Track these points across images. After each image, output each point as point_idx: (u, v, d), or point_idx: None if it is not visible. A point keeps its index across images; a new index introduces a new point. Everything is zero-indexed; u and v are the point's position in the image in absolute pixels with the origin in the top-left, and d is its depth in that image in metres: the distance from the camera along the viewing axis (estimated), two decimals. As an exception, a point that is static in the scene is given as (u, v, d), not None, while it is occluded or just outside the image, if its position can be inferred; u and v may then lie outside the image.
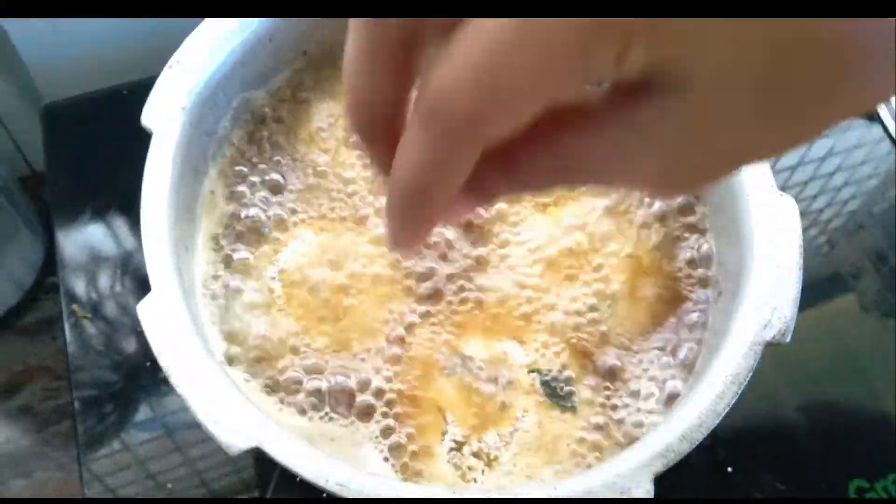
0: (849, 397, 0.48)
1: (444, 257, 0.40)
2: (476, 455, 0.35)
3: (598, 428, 0.36)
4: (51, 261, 0.78)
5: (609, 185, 0.30)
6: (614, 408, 0.37)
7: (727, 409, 0.31)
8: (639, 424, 0.36)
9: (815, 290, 0.52)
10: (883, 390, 0.47)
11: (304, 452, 0.30)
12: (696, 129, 0.15)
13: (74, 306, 0.47)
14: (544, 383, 0.37)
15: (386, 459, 0.35)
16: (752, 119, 0.15)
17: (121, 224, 0.50)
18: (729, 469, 0.44)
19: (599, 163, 0.17)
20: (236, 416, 0.30)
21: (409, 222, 0.17)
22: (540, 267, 0.40)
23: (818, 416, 0.47)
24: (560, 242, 0.41)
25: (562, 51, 0.14)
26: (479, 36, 0.14)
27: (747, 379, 0.32)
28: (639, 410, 0.37)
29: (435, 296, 0.39)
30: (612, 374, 0.38)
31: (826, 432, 0.46)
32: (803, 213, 0.54)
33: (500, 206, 0.42)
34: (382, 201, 0.41)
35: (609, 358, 0.38)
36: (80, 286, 0.48)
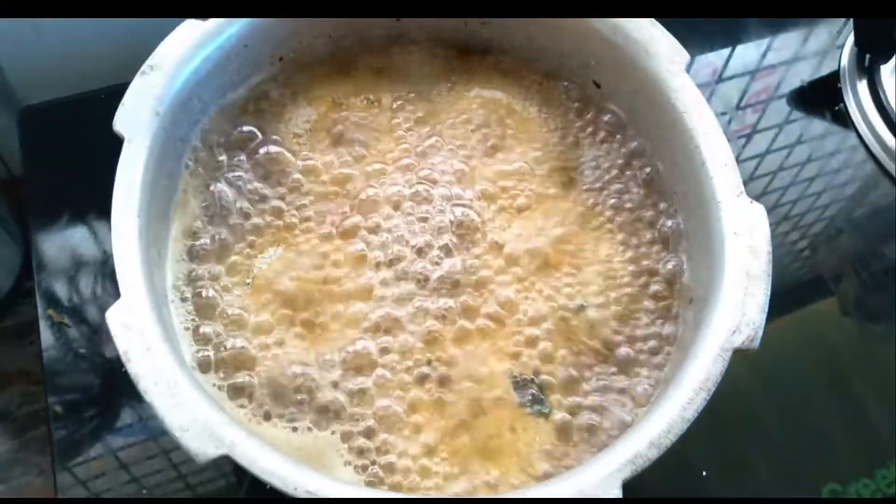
0: (827, 400, 0.48)
1: (419, 261, 0.40)
2: (448, 461, 0.35)
3: (571, 433, 0.36)
4: (30, 265, 0.77)
5: None
6: (587, 413, 0.37)
7: (696, 415, 0.31)
8: (611, 430, 0.36)
9: (796, 293, 0.52)
10: (861, 393, 0.48)
11: (273, 460, 0.30)
12: None
13: (51, 311, 0.47)
14: (518, 389, 0.37)
15: (348, 464, 0.35)
16: None
17: (99, 227, 0.50)
18: (703, 473, 0.44)
19: None
20: (205, 423, 0.30)
21: None
22: (516, 272, 0.40)
23: (796, 419, 0.47)
24: (535, 249, 0.41)
25: None
26: None
27: (716, 385, 0.32)
28: (611, 416, 0.37)
29: (408, 301, 0.39)
30: (586, 381, 0.38)
31: (803, 436, 0.47)
32: (784, 219, 0.54)
33: (475, 211, 0.42)
34: (359, 204, 0.42)
35: (583, 365, 0.38)
36: (57, 290, 0.48)
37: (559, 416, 0.37)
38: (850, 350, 0.51)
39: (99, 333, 0.47)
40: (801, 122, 0.59)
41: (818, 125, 0.59)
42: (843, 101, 0.59)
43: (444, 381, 0.37)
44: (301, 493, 0.29)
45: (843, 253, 0.55)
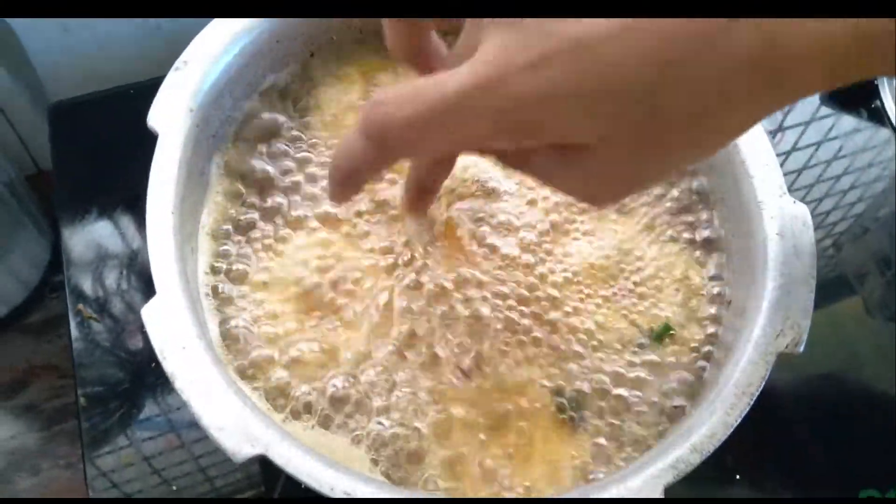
0: (854, 402, 0.48)
1: (475, 266, 0.39)
2: (480, 465, 0.35)
3: (603, 450, 0.35)
4: (57, 259, 0.77)
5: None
6: (622, 430, 0.36)
7: (739, 421, 0.31)
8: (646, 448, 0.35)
9: (820, 293, 0.51)
10: (888, 394, 0.47)
11: (308, 461, 0.29)
12: (594, 169, 0.23)
13: (80, 306, 0.47)
14: (558, 401, 0.36)
15: (376, 463, 0.34)
16: (631, 159, 0.23)
17: (127, 222, 0.50)
18: (737, 476, 0.43)
19: (543, 175, 0.26)
20: (241, 422, 0.30)
21: (342, 188, 0.28)
22: (574, 286, 0.39)
23: (824, 421, 0.46)
24: (593, 263, 0.40)
25: (461, 138, 0.23)
26: (420, 97, 0.23)
27: (759, 389, 0.31)
28: (645, 436, 0.36)
29: (442, 300, 0.39)
30: (625, 403, 0.37)
31: (833, 439, 0.46)
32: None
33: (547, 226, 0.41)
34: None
35: (625, 380, 0.37)
36: (86, 285, 0.48)
37: (593, 432, 0.36)
38: (874, 350, 0.50)
39: (126, 327, 0.47)
40: (830, 117, 0.58)
41: (848, 120, 0.58)
42: (879, 97, 0.58)
43: (481, 385, 0.36)
44: (338, 494, 0.29)
45: (868, 252, 0.54)
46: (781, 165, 0.54)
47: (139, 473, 0.43)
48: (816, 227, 0.53)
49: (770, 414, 0.45)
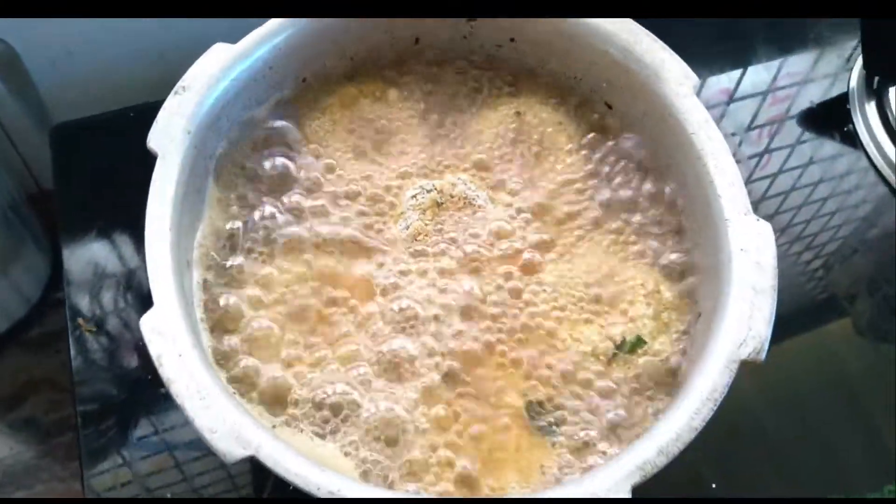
0: (840, 419, 0.48)
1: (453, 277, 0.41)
2: (449, 463, 0.36)
3: (574, 456, 0.37)
4: (57, 276, 0.79)
5: None
6: (593, 437, 0.37)
7: (703, 424, 0.32)
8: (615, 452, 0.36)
9: (810, 313, 0.53)
10: (875, 413, 0.48)
11: (296, 462, 0.31)
12: None
13: (80, 320, 0.48)
14: (531, 410, 0.38)
15: (360, 468, 0.36)
16: None
17: (125, 242, 0.52)
18: (713, 486, 0.45)
19: None
20: (233, 426, 0.31)
21: None
22: (549, 300, 0.41)
23: (808, 436, 0.48)
24: (569, 279, 0.42)
25: None
26: None
27: (723, 395, 0.33)
28: (616, 442, 0.37)
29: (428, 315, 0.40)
30: (597, 411, 0.38)
31: (814, 452, 0.47)
32: (797, 238, 0.55)
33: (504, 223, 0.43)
34: (392, 217, 0.43)
35: (597, 390, 0.39)
36: (84, 303, 0.49)
37: (565, 443, 0.37)
38: (864, 370, 0.51)
39: (123, 344, 0.48)
40: (812, 143, 0.60)
41: (829, 146, 0.59)
42: (851, 122, 0.59)
43: (460, 394, 0.38)
44: (323, 494, 0.30)
45: (857, 273, 0.55)
46: (768, 188, 0.57)
47: (134, 492, 0.44)
48: (805, 249, 0.54)
49: (752, 426, 0.47)
